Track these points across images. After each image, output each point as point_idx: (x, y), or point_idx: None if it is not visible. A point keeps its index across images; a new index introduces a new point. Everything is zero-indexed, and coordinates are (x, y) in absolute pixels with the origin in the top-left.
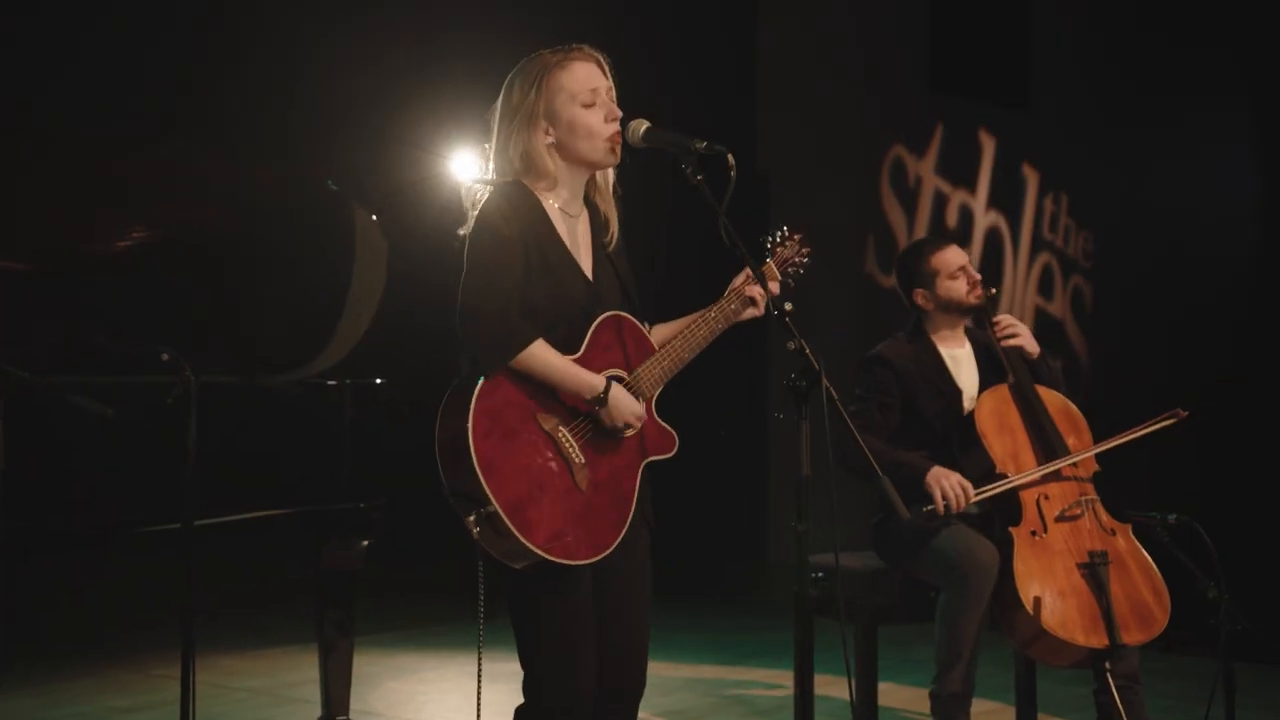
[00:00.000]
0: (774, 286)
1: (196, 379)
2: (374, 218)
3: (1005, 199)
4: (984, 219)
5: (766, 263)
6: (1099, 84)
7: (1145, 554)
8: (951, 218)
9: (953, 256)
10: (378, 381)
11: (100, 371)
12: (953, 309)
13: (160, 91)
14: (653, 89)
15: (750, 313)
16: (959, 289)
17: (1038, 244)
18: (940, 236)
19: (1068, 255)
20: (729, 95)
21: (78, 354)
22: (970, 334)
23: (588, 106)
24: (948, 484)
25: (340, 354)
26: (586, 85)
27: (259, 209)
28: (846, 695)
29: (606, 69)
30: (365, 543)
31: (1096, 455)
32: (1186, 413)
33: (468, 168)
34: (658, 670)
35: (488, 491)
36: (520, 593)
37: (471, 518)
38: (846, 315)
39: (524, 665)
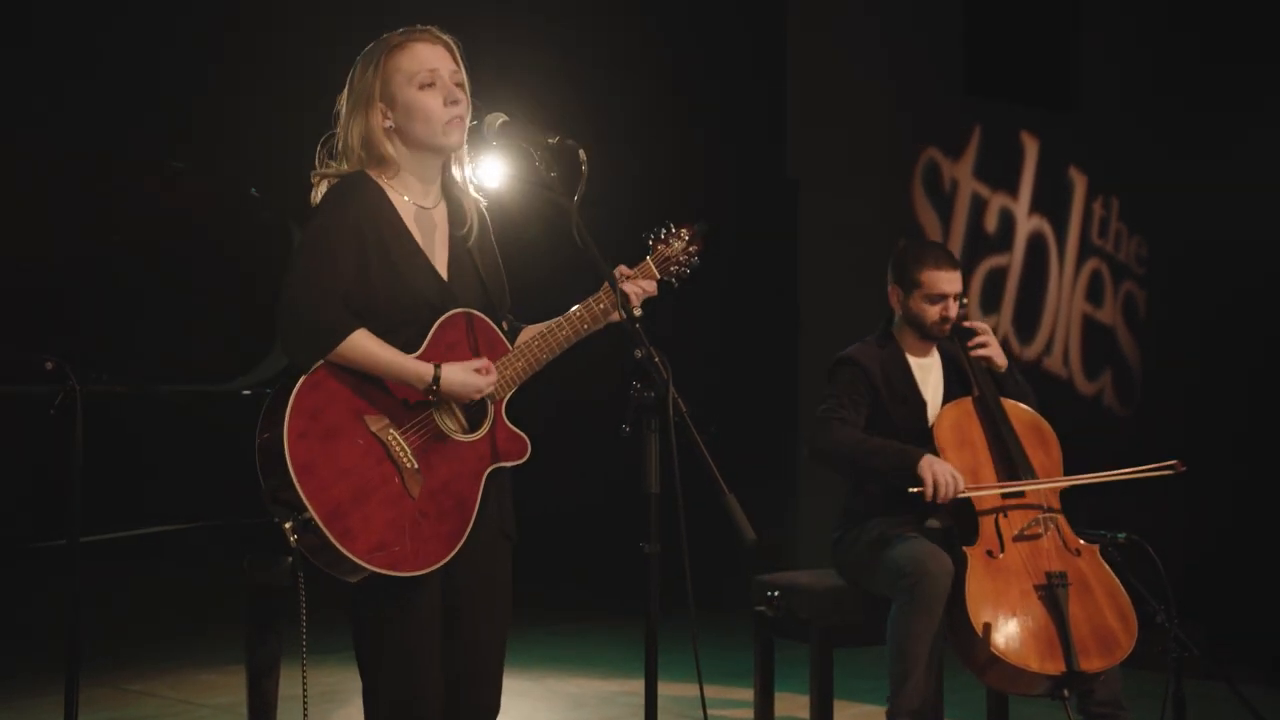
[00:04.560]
0: (649, 285)
1: (82, 388)
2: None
3: (1050, 203)
4: (1027, 223)
5: (645, 259)
6: (1152, 82)
7: (1111, 575)
8: (991, 222)
9: (943, 283)
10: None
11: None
12: (914, 326)
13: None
14: (682, 92)
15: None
16: (929, 314)
17: (1086, 249)
18: (948, 255)
19: (1119, 260)
20: (759, 97)
21: None
22: (939, 344)
23: (425, 88)
24: (940, 468)
25: (280, 364)
26: (425, 65)
27: (190, 218)
28: (807, 714)
29: (456, 53)
30: (289, 559)
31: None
32: (1185, 467)
33: (492, 174)
34: (642, 688)
35: (303, 496)
36: (358, 606)
37: (289, 525)
38: (876, 320)
39: (363, 682)
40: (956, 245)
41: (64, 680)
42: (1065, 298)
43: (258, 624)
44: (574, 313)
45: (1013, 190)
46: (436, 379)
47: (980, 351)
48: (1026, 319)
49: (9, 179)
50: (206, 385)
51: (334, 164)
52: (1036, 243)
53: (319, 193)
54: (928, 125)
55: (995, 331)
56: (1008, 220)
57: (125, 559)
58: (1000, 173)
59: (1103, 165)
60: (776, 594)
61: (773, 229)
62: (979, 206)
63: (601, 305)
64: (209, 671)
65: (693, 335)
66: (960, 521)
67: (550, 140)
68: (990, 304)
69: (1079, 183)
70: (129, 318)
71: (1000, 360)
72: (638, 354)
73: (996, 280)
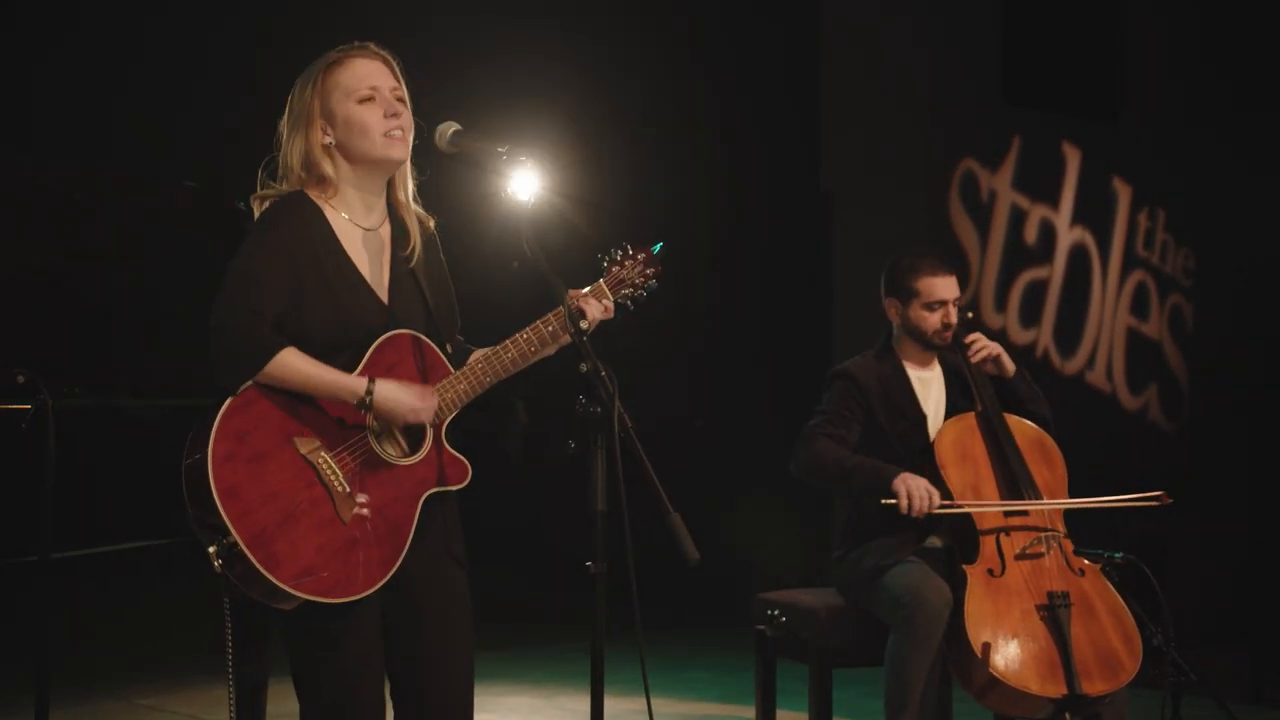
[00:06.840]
0: (604, 307)
1: (55, 403)
2: None
3: (1092, 214)
4: (1068, 235)
5: (598, 281)
6: (1197, 91)
7: (1116, 596)
8: (1031, 234)
9: (940, 288)
10: None
11: None
12: (915, 336)
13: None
14: (715, 104)
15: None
16: (930, 322)
17: (1130, 261)
18: (943, 261)
19: (1165, 273)
20: (792, 109)
21: None
22: (942, 356)
23: (364, 102)
24: (914, 483)
25: None
26: (365, 81)
27: (174, 230)
28: None
29: (396, 69)
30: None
31: (1071, 488)
32: (1171, 499)
33: (528, 185)
34: (656, 707)
35: (226, 520)
36: (291, 636)
37: (213, 549)
38: None
39: (300, 711)
40: (995, 257)
41: (54, 695)
42: (1109, 311)
43: (240, 641)
44: (521, 335)
45: (1053, 201)
46: (370, 392)
47: (982, 354)
48: (1068, 332)
49: None
50: (193, 400)
51: (275, 185)
52: (1078, 254)
53: (258, 213)
54: (965, 135)
55: (1035, 345)
56: (1048, 232)
57: (112, 575)
58: (1040, 184)
59: (1148, 176)
60: (777, 612)
61: (806, 242)
62: (1018, 218)
63: (550, 327)
64: (221, 686)
65: (727, 349)
66: (961, 540)
67: (501, 150)
68: (1030, 317)
69: (1123, 194)
70: (107, 331)
71: (1009, 365)
72: (583, 368)
73: (1037, 292)
